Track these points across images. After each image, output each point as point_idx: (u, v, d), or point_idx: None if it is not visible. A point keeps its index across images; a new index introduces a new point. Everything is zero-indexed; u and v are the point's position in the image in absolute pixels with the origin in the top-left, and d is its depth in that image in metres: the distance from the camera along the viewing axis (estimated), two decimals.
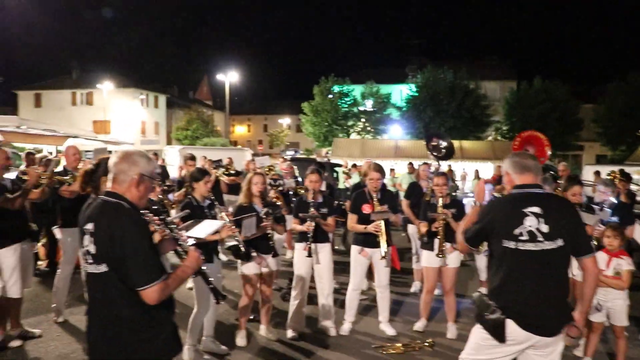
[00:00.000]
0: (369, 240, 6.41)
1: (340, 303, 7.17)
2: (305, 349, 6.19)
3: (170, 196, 8.48)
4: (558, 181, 7.95)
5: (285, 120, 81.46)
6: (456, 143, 25.35)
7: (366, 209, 6.38)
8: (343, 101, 53.09)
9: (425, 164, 9.78)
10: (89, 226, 2.95)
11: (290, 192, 8.93)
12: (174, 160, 24.46)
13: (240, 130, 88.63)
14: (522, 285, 3.44)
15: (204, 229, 3.40)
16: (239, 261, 6.19)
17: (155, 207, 3.28)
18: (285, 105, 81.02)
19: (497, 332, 3.42)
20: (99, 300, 2.98)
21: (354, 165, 18.19)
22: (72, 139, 18.78)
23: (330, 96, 52.54)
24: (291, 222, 6.80)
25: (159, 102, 63.41)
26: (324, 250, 6.54)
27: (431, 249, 6.52)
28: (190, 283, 7.17)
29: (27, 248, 6.25)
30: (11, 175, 6.53)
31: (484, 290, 4.69)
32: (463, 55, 75.23)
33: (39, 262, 9.32)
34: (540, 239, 3.42)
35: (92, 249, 2.91)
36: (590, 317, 5.40)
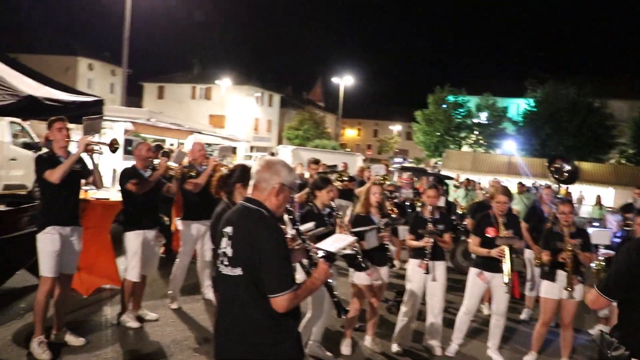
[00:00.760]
0: (490, 264, 6.21)
1: (446, 322, 7.03)
2: None
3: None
4: None
5: (396, 127, 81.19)
6: None
7: (490, 232, 6.17)
8: (457, 112, 52.11)
9: (548, 187, 9.39)
10: (228, 229, 3.03)
11: (407, 203, 8.88)
12: (286, 160, 24.98)
13: (350, 133, 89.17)
14: None
15: (335, 243, 3.42)
16: (351, 270, 6.22)
17: (292, 217, 3.34)
18: (397, 112, 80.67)
19: None
20: (230, 301, 3.05)
21: (468, 180, 17.55)
22: (196, 134, 19.67)
23: (445, 106, 51.72)
24: (404, 234, 6.74)
25: (273, 101, 64.99)
26: (440, 268, 6.43)
27: (552, 279, 6.21)
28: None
29: (154, 237, 6.51)
30: None
31: (604, 327, 4.45)
32: (589, 71, 71.71)
33: None
34: None
35: (229, 251, 3.00)
36: None
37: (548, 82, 48.05)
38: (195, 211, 7.04)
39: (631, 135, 45.79)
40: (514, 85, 58.29)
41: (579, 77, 50.43)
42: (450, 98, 52.17)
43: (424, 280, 6.38)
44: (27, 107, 6.28)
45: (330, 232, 5.08)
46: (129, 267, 6.22)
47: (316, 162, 11.41)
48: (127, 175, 6.23)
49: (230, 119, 56.60)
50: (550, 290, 6.25)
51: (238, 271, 2.96)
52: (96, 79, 58.34)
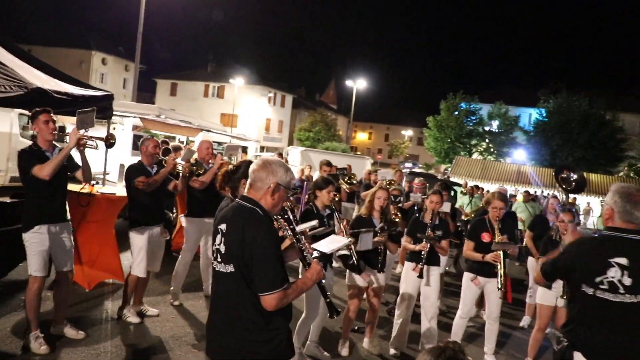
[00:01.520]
0: (484, 269, 6.27)
1: (446, 326, 7.05)
2: None
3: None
4: None
5: (408, 132, 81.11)
6: None
7: (485, 237, 6.23)
8: (469, 119, 52.04)
9: (554, 197, 9.39)
10: (222, 226, 3.08)
11: (416, 207, 8.87)
12: (295, 161, 24.96)
13: (362, 136, 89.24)
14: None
15: (330, 245, 3.44)
16: (348, 271, 6.25)
17: (287, 216, 3.37)
18: (409, 117, 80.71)
19: None
20: (222, 297, 3.10)
21: (476, 187, 17.48)
22: (205, 132, 19.70)
23: (457, 113, 51.65)
24: (403, 240, 6.77)
25: (286, 102, 65.08)
26: (434, 273, 6.47)
27: (548, 286, 6.24)
28: None
29: (159, 233, 6.53)
30: None
31: None
32: (603, 83, 71.32)
33: None
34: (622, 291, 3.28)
35: (222, 248, 3.05)
36: None
37: (561, 93, 48.04)
38: (199, 208, 7.09)
39: None
40: (527, 95, 58.20)
41: (592, 89, 50.40)
42: (463, 105, 52.10)
43: (418, 283, 6.42)
44: (36, 99, 6.24)
45: (330, 233, 5.09)
46: (135, 262, 6.26)
47: (329, 164, 11.41)
48: (133, 172, 6.25)
49: (242, 118, 56.74)
50: (546, 297, 6.36)
51: (230, 268, 3.00)
52: (109, 74, 58.69)
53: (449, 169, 41.69)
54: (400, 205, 8.08)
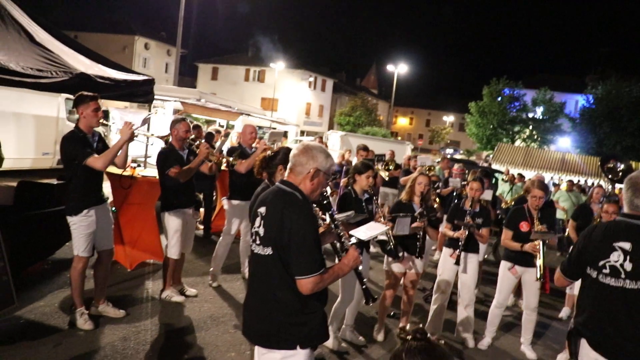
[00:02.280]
0: (521, 258, 6.15)
1: (482, 315, 7.00)
2: None
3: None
4: None
5: (449, 118, 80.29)
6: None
7: (524, 226, 6.10)
8: (512, 105, 51.00)
9: (600, 186, 9.18)
10: (262, 209, 3.12)
11: (455, 193, 8.81)
12: (335, 145, 24.95)
13: (402, 122, 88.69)
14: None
15: (368, 232, 3.46)
16: (386, 256, 6.26)
17: (327, 202, 3.39)
18: (450, 102, 79.83)
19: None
20: (259, 279, 3.15)
21: (515, 176, 17.08)
22: (245, 116, 19.81)
23: (500, 98, 50.69)
24: (443, 226, 6.72)
25: (326, 86, 64.97)
26: (472, 261, 6.40)
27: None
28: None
29: (191, 215, 6.62)
30: None
31: None
32: None
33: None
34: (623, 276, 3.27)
35: (261, 231, 3.08)
36: None
37: (610, 79, 46.41)
38: (241, 191, 7.16)
39: None
40: (574, 81, 56.78)
41: None
42: (506, 91, 51.08)
43: (455, 270, 6.37)
44: (80, 84, 6.37)
45: (367, 220, 5.09)
46: (170, 245, 6.37)
47: (365, 148, 11.36)
48: (165, 158, 6.24)
49: (282, 103, 56.88)
50: None
51: (269, 251, 3.03)
52: (152, 59, 59.48)
53: (491, 156, 41.06)
54: (438, 191, 8.03)
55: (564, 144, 47.80)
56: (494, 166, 31.28)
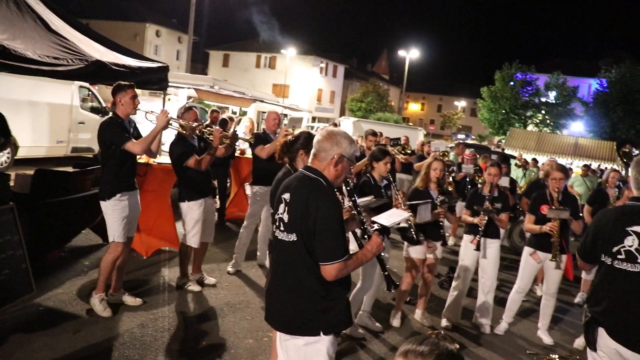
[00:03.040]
0: (544, 244, 6.09)
1: (498, 300, 6.98)
2: (458, 341, 6.05)
3: None
4: None
5: (461, 103, 79.85)
6: None
7: (544, 209, 6.05)
8: (524, 90, 50.54)
9: (615, 170, 9.09)
10: (286, 195, 3.11)
11: (468, 179, 8.76)
12: (348, 132, 24.87)
13: (414, 107, 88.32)
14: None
15: (391, 218, 3.44)
16: (406, 243, 6.24)
17: (349, 188, 3.38)
18: (462, 87, 79.36)
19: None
20: (283, 265, 3.14)
21: (527, 161, 16.87)
22: (258, 102, 19.78)
23: (512, 83, 50.24)
24: (461, 211, 6.69)
25: (338, 72, 64.72)
26: (493, 246, 6.36)
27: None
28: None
29: (210, 203, 6.62)
30: None
31: None
32: None
33: None
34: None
35: (285, 217, 3.08)
36: None
37: (624, 62, 45.84)
38: (263, 177, 7.12)
39: None
40: (587, 65, 56.14)
41: None
42: (519, 75, 50.62)
43: (476, 256, 6.34)
44: (95, 72, 6.40)
45: (386, 204, 5.07)
46: (190, 234, 6.31)
47: (374, 133, 11.33)
48: (179, 149, 6.20)
49: (293, 89, 56.75)
50: None
51: (293, 237, 3.03)
52: (163, 46, 59.33)
53: (503, 141, 40.80)
54: (453, 175, 7.99)
55: (577, 128, 47.43)
56: (507, 151, 31.07)
